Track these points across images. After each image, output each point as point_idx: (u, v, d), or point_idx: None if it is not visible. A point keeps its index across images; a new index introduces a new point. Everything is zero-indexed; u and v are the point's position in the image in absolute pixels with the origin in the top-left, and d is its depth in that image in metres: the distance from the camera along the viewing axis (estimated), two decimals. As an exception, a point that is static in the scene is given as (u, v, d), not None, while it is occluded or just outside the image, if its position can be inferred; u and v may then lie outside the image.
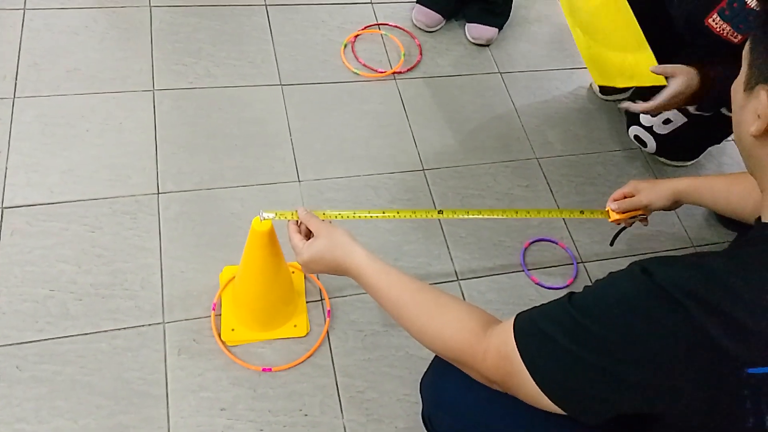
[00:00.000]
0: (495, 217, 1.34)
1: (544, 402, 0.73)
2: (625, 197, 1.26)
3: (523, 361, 0.73)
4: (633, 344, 0.65)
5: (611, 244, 1.44)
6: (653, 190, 1.22)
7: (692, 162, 1.76)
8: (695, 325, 0.61)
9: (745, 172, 0.80)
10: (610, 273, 0.73)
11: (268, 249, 1.14)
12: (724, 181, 1.13)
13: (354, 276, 0.98)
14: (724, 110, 1.45)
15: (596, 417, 0.71)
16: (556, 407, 0.72)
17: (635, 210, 1.23)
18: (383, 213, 1.18)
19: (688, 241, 1.64)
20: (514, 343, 0.75)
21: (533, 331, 0.75)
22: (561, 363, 0.71)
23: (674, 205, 1.23)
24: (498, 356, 0.77)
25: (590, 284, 0.76)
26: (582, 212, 1.28)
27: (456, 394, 0.91)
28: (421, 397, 1.01)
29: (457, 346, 0.84)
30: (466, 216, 1.24)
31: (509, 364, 0.75)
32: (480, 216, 1.23)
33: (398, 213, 1.20)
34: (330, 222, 1.04)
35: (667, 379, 0.63)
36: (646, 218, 1.29)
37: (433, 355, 0.96)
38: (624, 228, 1.37)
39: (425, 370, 1.01)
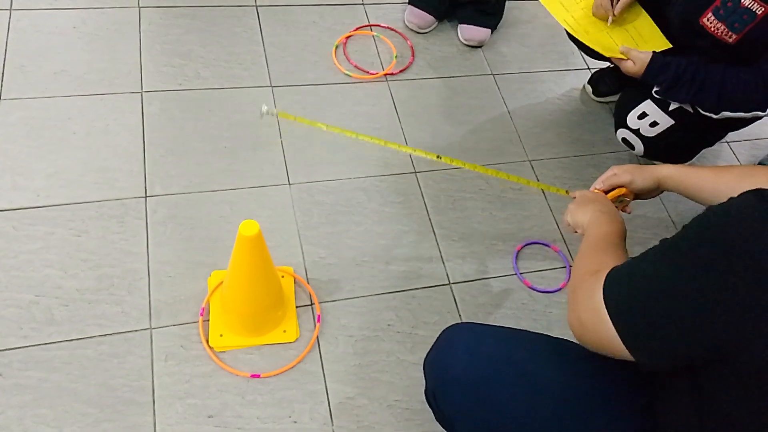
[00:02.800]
0: (475, 170, 1.38)
1: (614, 341, 0.73)
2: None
3: (606, 305, 0.74)
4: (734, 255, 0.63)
5: None
6: (637, 170, 1.21)
7: (687, 164, 1.75)
8: None
9: (734, 165, 0.80)
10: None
11: (255, 254, 1.12)
12: (712, 170, 1.10)
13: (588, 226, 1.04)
14: (686, 106, 1.44)
15: (663, 356, 0.70)
16: (624, 348, 0.72)
17: (618, 188, 1.19)
18: (371, 139, 1.20)
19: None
20: (602, 296, 0.75)
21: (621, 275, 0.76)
22: (643, 290, 0.71)
23: (657, 189, 1.20)
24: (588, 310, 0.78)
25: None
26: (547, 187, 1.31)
27: (461, 368, 0.91)
28: (425, 374, 1.01)
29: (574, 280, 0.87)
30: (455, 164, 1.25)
31: (596, 316, 0.76)
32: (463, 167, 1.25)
33: (386, 143, 1.23)
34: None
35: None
36: (628, 203, 1.24)
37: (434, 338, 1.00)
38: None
39: (421, 374, 1.00)
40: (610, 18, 1.48)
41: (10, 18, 1.71)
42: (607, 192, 1.18)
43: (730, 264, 0.63)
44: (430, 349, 1.00)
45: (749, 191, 0.66)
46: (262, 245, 1.13)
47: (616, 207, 1.18)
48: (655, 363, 0.72)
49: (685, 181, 1.10)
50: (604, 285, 0.76)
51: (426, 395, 1.05)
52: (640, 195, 1.19)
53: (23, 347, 1.23)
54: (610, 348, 0.74)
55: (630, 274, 0.74)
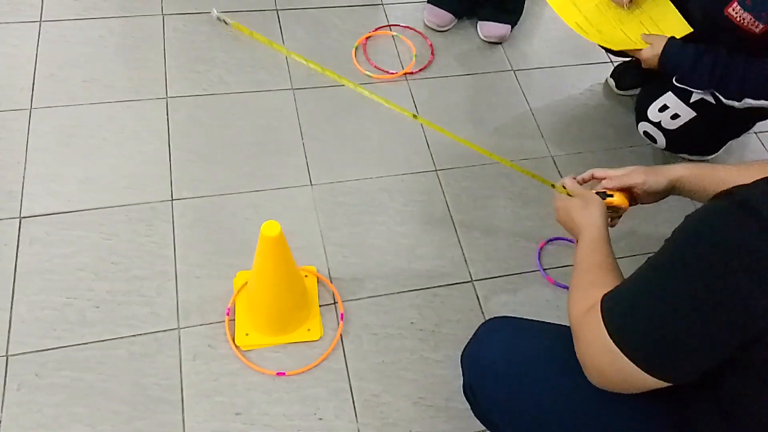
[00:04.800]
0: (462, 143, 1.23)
1: (637, 376, 0.70)
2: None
3: (620, 348, 0.71)
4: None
5: None
6: (650, 171, 1.13)
7: (712, 156, 1.72)
8: None
9: (754, 161, 0.78)
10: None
11: (278, 255, 1.14)
12: (730, 169, 1.01)
13: (578, 239, 1.02)
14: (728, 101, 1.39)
15: (693, 371, 0.69)
16: (651, 378, 0.70)
17: (620, 195, 1.10)
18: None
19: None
20: (606, 333, 0.73)
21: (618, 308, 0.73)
22: (650, 320, 0.69)
23: (668, 191, 1.13)
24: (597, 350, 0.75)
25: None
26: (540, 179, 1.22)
27: (500, 362, 0.92)
28: (462, 368, 1.03)
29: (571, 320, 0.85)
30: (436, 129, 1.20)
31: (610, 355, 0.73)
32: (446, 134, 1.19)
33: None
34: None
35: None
36: (619, 217, 1.17)
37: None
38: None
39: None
40: (626, 3, 1.46)
41: (39, 29, 1.77)
42: (603, 196, 1.09)
43: (727, 266, 0.62)
44: (468, 342, 1.01)
45: (725, 197, 0.66)
46: (284, 245, 1.15)
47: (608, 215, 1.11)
48: (687, 379, 0.70)
49: (702, 182, 1.02)
50: (605, 322, 0.73)
51: (464, 389, 1.05)
52: (644, 198, 1.11)
53: (58, 348, 1.27)
54: (637, 382, 0.71)
55: (632, 305, 0.72)
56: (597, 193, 1.10)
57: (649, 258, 0.74)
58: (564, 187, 1.13)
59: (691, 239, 0.67)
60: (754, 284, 0.60)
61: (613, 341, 0.71)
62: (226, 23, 1.36)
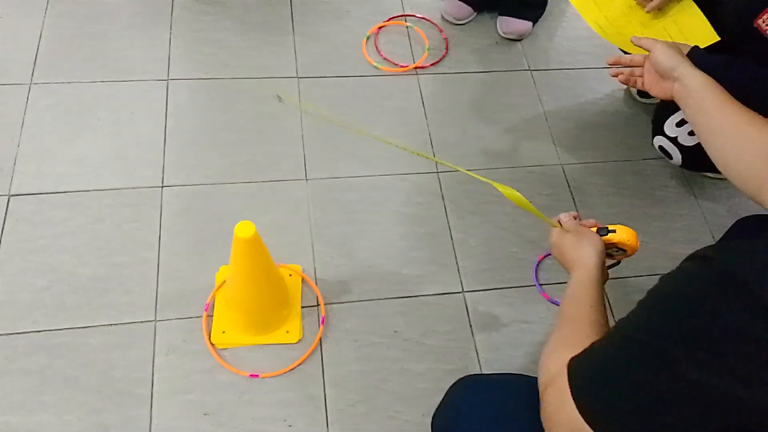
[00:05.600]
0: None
1: None
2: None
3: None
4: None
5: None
6: (668, 46, 1.07)
7: (734, 175, 1.61)
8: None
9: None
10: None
11: (252, 255, 1.10)
12: (743, 111, 0.93)
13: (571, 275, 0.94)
14: None
15: None
16: None
17: (621, 236, 0.98)
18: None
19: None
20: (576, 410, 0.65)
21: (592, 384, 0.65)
22: (622, 400, 0.61)
23: (669, 85, 1.07)
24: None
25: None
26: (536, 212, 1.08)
27: (471, 428, 0.85)
28: (432, 429, 0.95)
29: None
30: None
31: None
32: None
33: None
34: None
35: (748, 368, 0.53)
36: (627, 256, 1.06)
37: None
38: (617, 263, 1.11)
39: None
40: (648, 6, 1.37)
41: (47, 3, 1.74)
42: (604, 232, 0.99)
43: (712, 355, 0.54)
44: (439, 406, 0.94)
45: (703, 262, 0.57)
46: (260, 246, 1.10)
47: (609, 254, 1.01)
48: None
49: (700, 108, 0.98)
50: (572, 393, 0.65)
51: None
52: (648, 82, 1.11)
53: (31, 332, 1.25)
54: None
55: (603, 378, 0.64)
56: (598, 229, 1.00)
57: (620, 321, 0.66)
58: (559, 223, 1.04)
59: (668, 315, 0.59)
60: (741, 373, 0.52)
61: (581, 415, 0.64)
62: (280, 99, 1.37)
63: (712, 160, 1.03)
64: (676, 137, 1.39)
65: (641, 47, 1.20)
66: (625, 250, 1.01)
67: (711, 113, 1.00)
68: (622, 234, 0.98)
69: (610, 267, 1.03)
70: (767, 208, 0.89)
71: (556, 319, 0.87)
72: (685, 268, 0.59)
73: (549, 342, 0.81)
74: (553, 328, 0.84)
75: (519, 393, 0.84)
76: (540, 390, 0.74)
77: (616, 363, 0.63)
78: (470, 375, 0.96)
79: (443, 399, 0.93)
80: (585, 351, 0.68)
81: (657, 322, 0.60)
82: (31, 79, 1.59)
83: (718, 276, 0.55)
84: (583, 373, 0.66)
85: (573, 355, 0.69)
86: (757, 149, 0.91)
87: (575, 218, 1.05)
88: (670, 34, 1.36)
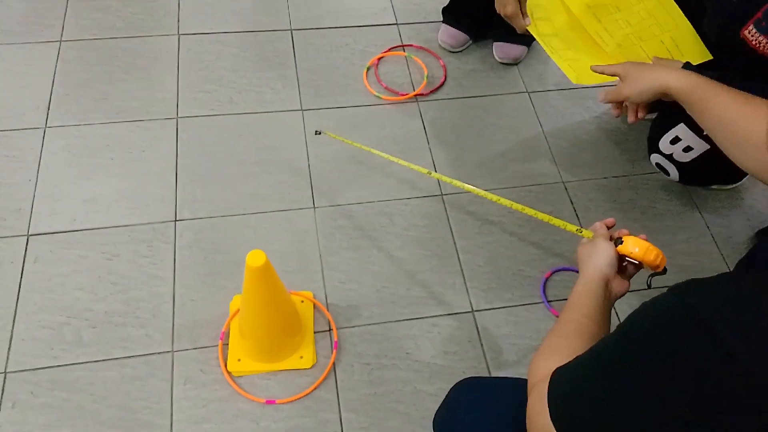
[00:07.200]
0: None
1: None
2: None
3: None
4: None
5: (648, 286, 1.08)
6: (639, 80, 1.06)
7: (733, 186, 1.64)
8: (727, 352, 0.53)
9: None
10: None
11: (264, 283, 1.13)
12: (736, 94, 0.95)
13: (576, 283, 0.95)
14: None
15: None
16: None
17: (645, 252, 0.96)
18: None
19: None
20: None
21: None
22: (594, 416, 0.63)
23: (658, 96, 1.09)
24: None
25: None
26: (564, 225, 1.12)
27: (470, 429, 0.88)
28: None
29: None
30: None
31: None
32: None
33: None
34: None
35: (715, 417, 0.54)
36: (638, 269, 1.03)
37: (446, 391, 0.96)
38: (656, 273, 1.06)
39: (437, 407, 0.97)
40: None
41: (59, 48, 1.81)
42: (618, 242, 0.98)
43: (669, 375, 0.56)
44: (440, 408, 0.97)
45: (677, 298, 0.59)
46: (271, 274, 1.14)
47: (624, 265, 1.00)
48: None
49: (700, 105, 1.00)
50: (549, 401, 0.68)
51: None
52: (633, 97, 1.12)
53: (52, 367, 1.28)
54: None
55: (575, 396, 0.66)
56: (616, 239, 0.98)
57: (602, 340, 0.68)
58: (581, 230, 1.06)
59: (633, 344, 0.61)
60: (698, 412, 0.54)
61: (554, 425, 0.66)
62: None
63: (722, 149, 1.07)
64: (671, 154, 1.42)
65: (607, 74, 1.23)
66: (638, 262, 0.98)
67: (711, 108, 1.03)
68: (627, 246, 0.96)
69: (632, 276, 1.02)
70: None
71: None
72: (662, 300, 0.61)
73: (541, 345, 0.84)
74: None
75: (517, 394, 0.86)
76: (528, 390, 0.77)
77: (587, 382, 0.65)
78: (471, 376, 0.99)
79: (444, 399, 0.96)
80: (569, 363, 0.70)
81: (623, 349, 0.62)
82: (46, 123, 1.65)
83: (688, 315, 0.56)
84: (560, 387, 0.68)
85: (559, 362, 0.71)
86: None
87: (609, 227, 1.03)
88: (667, 48, 1.39)
